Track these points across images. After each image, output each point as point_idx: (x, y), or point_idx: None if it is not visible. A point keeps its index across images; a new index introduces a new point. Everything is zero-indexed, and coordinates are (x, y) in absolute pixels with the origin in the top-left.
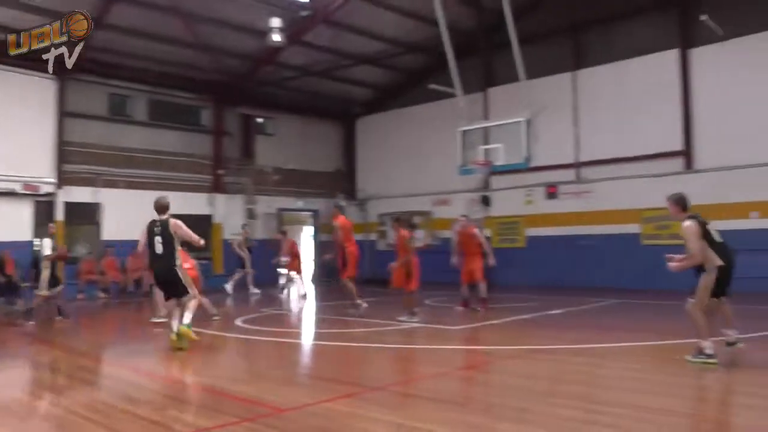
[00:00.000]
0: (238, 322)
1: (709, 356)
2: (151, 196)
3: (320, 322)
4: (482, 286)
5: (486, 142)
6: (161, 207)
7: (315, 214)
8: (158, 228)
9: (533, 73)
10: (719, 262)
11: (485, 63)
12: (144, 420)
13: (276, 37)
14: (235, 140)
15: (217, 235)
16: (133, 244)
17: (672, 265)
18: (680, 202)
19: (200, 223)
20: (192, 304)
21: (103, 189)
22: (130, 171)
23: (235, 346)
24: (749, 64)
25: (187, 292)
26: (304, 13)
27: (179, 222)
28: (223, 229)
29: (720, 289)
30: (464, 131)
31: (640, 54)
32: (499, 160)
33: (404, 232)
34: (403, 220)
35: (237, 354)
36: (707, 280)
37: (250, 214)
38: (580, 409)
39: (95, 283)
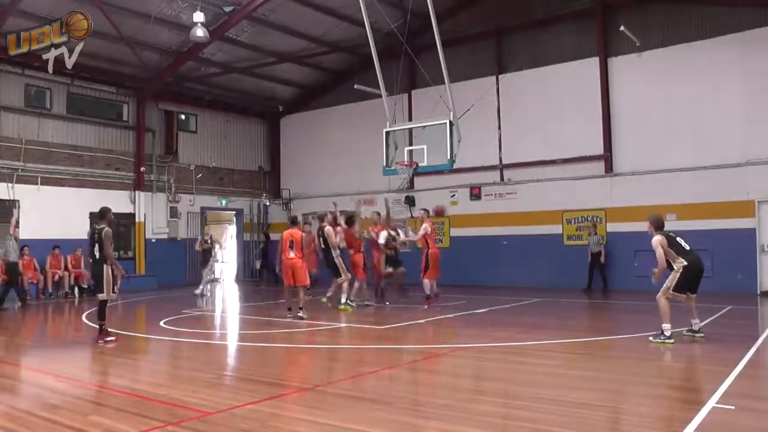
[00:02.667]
0: (161, 323)
1: (667, 337)
2: (69, 193)
3: (243, 323)
4: (425, 283)
5: (410, 143)
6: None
7: (239, 213)
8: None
9: (458, 75)
10: (684, 263)
11: (410, 64)
12: (65, 427)
13: (199, 32)
14: (157, 137)
15: (140, 233)
16: (51, 243)
17: (655, 277)
18: (656, 223)
19: (122, 222)
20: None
21: (19, 185)
22: (48, 167)
23: (157, 348)
24: (665, 74)
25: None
26: (227, 9)
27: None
28: (145, 227)
29: (689, 285)
30: (388, 132)
31: (563, 61)
32: (424, 161)
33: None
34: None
35: (159, 356)
36: (673, 276)
37: (173, 213)
38: (500, 405)
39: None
